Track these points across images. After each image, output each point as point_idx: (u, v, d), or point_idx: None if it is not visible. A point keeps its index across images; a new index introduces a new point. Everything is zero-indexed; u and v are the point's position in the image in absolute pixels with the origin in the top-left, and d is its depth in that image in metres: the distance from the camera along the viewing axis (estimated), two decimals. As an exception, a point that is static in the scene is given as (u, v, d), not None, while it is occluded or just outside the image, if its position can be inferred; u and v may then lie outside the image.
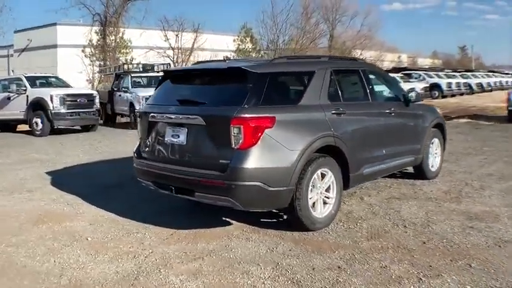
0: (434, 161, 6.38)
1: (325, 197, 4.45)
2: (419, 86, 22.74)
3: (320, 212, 4.40)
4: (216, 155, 4.00)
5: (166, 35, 25.93)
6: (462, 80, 31.28)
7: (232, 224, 4.65)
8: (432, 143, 6.29)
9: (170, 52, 26.31)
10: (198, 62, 5.75)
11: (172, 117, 4.36)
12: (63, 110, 12.32)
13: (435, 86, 27.58)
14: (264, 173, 3.92)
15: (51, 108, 12.13)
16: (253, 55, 26.91)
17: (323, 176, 4.40)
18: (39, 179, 6.92)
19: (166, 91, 4.83)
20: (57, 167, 7.81)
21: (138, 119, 4.92)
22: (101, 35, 25.49)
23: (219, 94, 4.33)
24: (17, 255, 3.92)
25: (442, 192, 5.68)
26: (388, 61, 37.26)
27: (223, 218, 4.80)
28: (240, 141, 3.86)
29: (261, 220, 4.70)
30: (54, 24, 29.81)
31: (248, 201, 3.98)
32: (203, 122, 4.05)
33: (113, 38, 25.48)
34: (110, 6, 25.37)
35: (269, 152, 3.94)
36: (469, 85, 31.33)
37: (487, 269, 3.45)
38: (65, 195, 5.88)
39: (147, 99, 14.48)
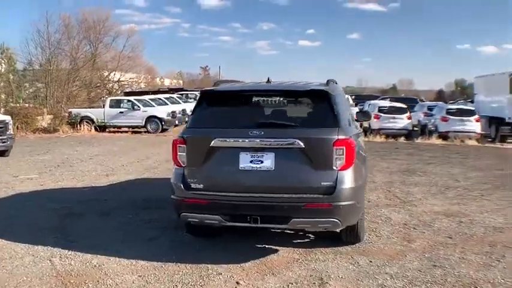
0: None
1: (359, 210, 4.84)
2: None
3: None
4: (316, 177, 3.95)
5: None
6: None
7: (276, 249, 4.53)
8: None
9: None
10: (217, 83, 5.08)
11: (257, 141, 3.99)
12: None
13: None
14: (356, 190, 4.10)
15: None
16: (11, 77, 24.10)
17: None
18: None
19: (225, 113, 4.39)
20: None
21: (181, 146, 4.18)
22: None
23: (307, 116, 4.25)
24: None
25: (386, 199, 6.76)
26: (144, 83, 37.48)
27: (256, 245, 4.63)
28: (342, 162, 3.95)
29: (293, 241, 4.73)
30: None
31: (347, 220, 4.06)
32: (302, 145, 3.92)
33: None
34: None
35: (358, 170, 4.16)
36: None
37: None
38: (32, 247, 4.56)
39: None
